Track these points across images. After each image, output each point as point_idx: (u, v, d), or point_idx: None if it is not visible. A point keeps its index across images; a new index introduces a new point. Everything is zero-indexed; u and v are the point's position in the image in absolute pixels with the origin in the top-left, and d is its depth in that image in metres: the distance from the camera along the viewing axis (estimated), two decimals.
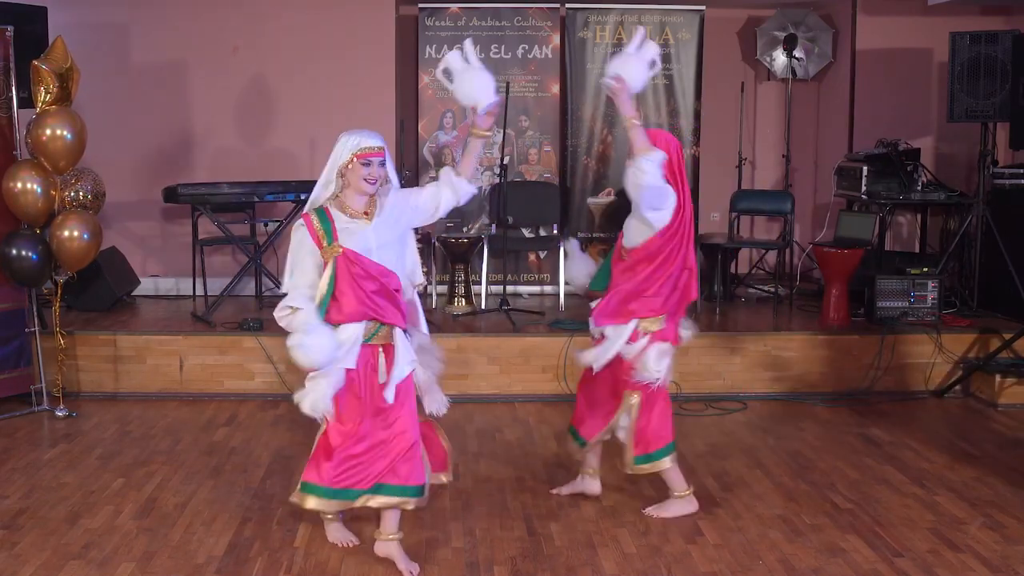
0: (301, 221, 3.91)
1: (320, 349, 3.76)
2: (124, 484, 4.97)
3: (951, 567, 4.06)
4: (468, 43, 4.19)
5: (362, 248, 3.86)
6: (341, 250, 3.83)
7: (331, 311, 3.85)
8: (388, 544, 4.08)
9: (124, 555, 4.13)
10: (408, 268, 4.07)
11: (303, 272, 3.90)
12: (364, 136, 3.89)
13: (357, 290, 3.84)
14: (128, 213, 8.11)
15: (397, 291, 3.94)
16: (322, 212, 3.90)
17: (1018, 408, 6.36)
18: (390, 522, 4.08)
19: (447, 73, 4.14)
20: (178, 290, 8.15)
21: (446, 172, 4.07)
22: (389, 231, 3.94)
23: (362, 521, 4.48)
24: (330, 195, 3.93)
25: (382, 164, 3.91)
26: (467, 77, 4.13)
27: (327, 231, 3.85)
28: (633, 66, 4.34)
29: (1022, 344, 6.56)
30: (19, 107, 6.17)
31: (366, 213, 3.91)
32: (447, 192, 4.03)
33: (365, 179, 3.86)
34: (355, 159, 3.86)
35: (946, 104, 7.40)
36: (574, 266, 4.80)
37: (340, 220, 3.88)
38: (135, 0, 8.01)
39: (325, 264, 3.85)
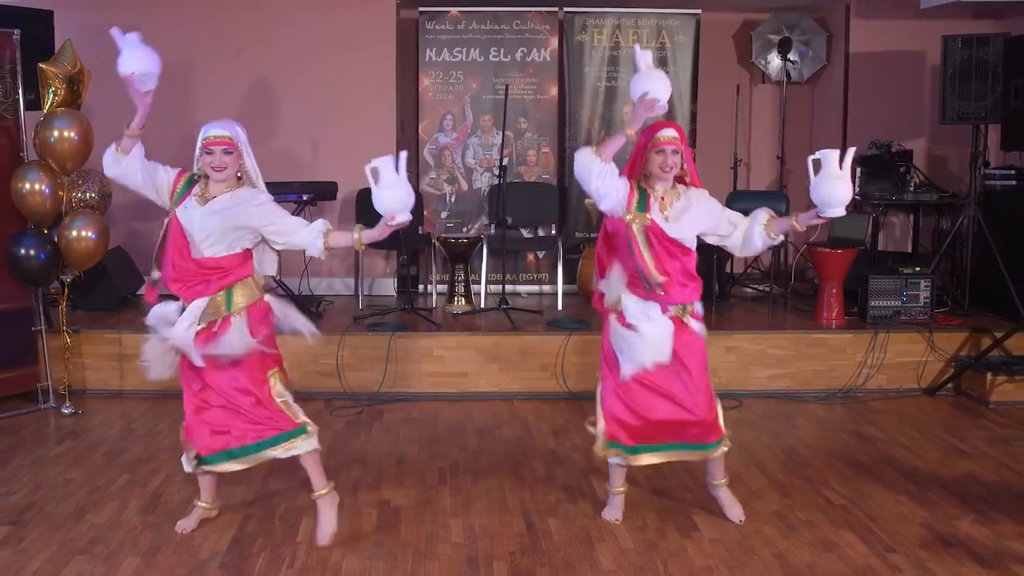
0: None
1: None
2: (129, 480, 4.96)
3: (943, 562, 4.06)
4: (403, 155, 3.90)
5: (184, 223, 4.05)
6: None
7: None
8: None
9: (129, 550, 4.13)
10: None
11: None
12: (211, 126, 4.07)
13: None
14: (134, 214, 8.09)
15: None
16: (192, 179, 4.12)
17: (1009, 406, 6.36)
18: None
19: (374, 174, 3.87)
20: None
21: (321, 223, 4.07)
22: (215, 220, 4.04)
23: (363, 516, 4.48)
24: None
25: (226, 152, 4.03)
26: (393, 189, 3.87)
27: (180, 193, 4.09)
28: (659, 82, 4.25)
29: (1013, 342, 6.56)
30: (26, 109, 6.16)
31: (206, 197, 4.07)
32: (304, 237, 4.06)
33: (210, 166, 4.03)
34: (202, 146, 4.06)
35: (938, 106, 7.40)
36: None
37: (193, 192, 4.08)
38: (140, 4, 8.00)
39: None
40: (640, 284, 4.21)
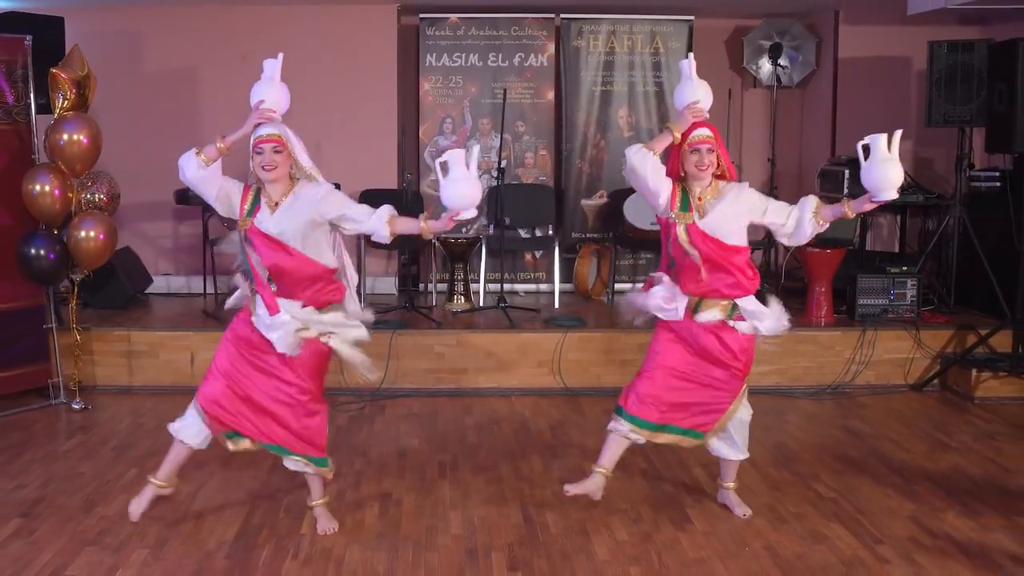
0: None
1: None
2: (138, 474, 4.95)
3: (929, 553, 4.07)
4: (476, 149, 3.99)
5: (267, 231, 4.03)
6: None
7: None
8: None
9: (138, 542, 4.13)
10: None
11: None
12: (261, 127, 4.04)
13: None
14: (141, 214, 8.09)
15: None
16: (258, 192, 4.08)
17: (993, 401, 6.37)
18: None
19: (444, 167, 3.96)
20: (189, 288, 8.14)
21: (386, 209, 4.09)
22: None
23: (365, 509, 4.49)
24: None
25: (275, 151, 4.00)
26: (462, 184, 3.95)
27: (251, 208, 4.06)
28: (705, 91, 4.26)
29: (997, 340, 6.57)
30: (37, 113, 6.16)
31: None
32: (372, 225, 4.07)
33: (261, 166, 4.00)
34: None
35: (924, 110, 7.39)
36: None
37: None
38: (148, 10, 8.00)
39: None
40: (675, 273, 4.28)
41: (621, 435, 4.36)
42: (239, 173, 4.15)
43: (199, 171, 3.94)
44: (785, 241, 4.33)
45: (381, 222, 4.04)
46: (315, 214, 4.00)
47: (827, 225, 4.21)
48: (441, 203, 4.05)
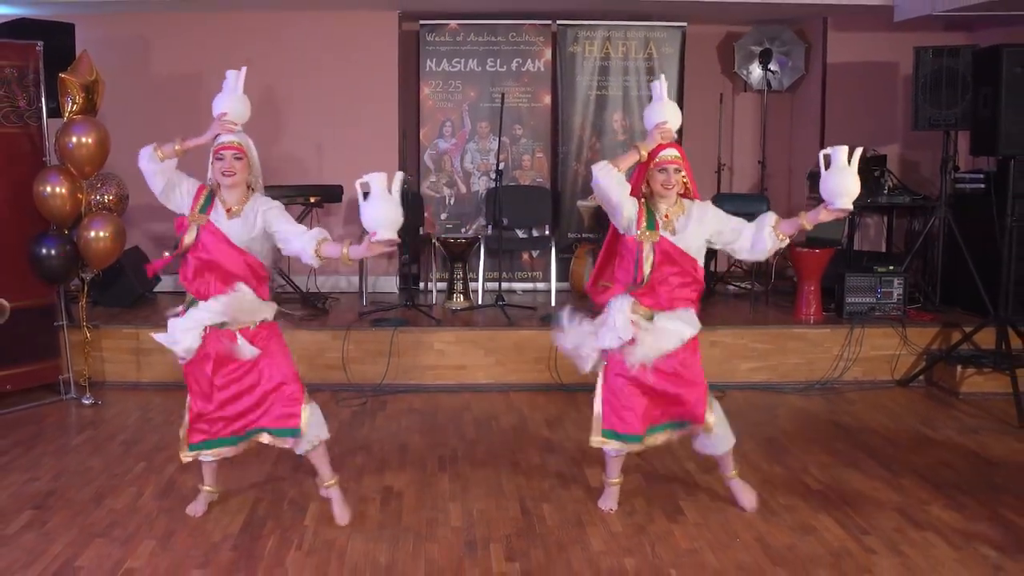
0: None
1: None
2: (146, 468, 4.96)
3: (915, 544, 4.07)
4: (400, 175, 3.87)
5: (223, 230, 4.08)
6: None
7: None
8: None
9: (146, 533, 4.13)
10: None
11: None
12: (223, 135, 4.08)
13: None
14: (149, 215, 8.07)
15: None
16: (211, 192, 4.15)
17: (978, 396, 6.37)
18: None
19: (364, 188, 3.78)
20: None
21: (318, 232, 4.02)
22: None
23: (367, 501, 4.49)
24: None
25: (236, 158, 4.05)
26: (380, 205, 3.79)
27: (204, 205, 4.12)
28: (674, 112, 4.26)
29: (981, 337, 6.57)
30: (48, 117, 6.15)
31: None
32: (296, 247, 4.04)
33: (221, 171, 4.06)
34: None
35: (911, 114, 7.39)
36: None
37: None
38: (155, 17, 8.00)
39: None
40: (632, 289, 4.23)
41: (618, 454, 4.38)
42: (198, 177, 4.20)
43: (150, 164, 4.07)
44: (744, 256, 4.29)
45: (310, 243, 3.98)
46: (263, 225, 4.06)
47: (787, 240, 4.16)
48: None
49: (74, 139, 5.92)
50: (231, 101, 4.14)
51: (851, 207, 4.03)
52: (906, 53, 7.60)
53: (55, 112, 6.12)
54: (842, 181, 3.99)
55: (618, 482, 4.46)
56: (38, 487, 4.67)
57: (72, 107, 5.95)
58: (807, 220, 4.09)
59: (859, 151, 4.02)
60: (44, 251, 6.01)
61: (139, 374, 6.60)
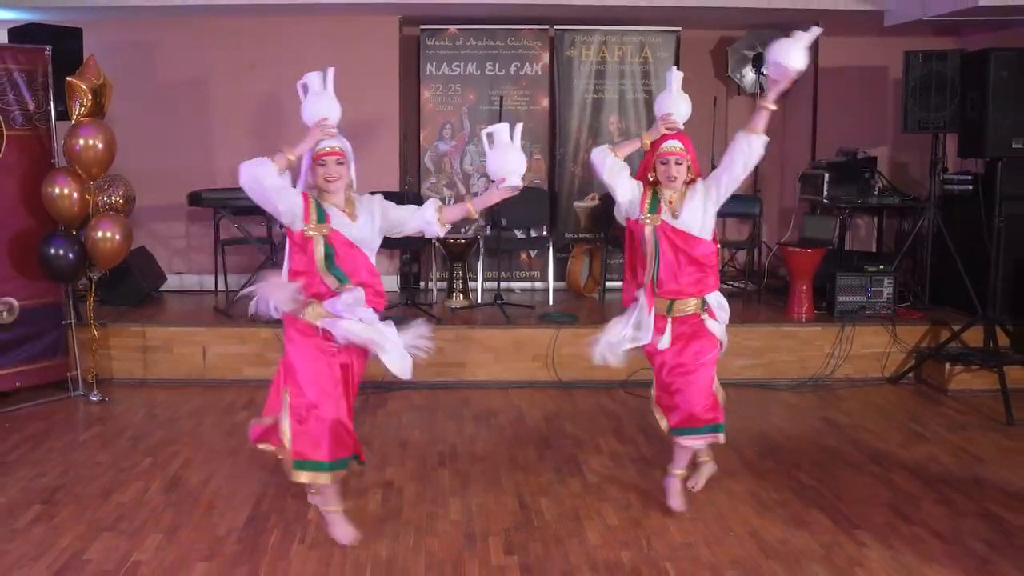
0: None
1: None
2: (152, 463, 4.96)
3: (905, 538, 4.08)
4: (519, 126, 3.95)
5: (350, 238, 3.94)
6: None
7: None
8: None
9: (152, 527, 4.14)
10: None
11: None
12: (323, 141, 4.05)
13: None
14: (156, 216, 8.09)
15: None
16: (316, 199, 3.96)
17: (966, 393, 6.38)
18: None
19: (490, 137, 3.94)
20: (201, 286, 8.14)
21: (432, 203, 4.01)
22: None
23: (368, 496, 4.49)
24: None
25: (338, 163, 3.96)
26: (506, 153, 3.91)
27: (319, 213, 3.91)
28: (684, 105, 4.26)
29: (970, 335, 6.57)
30: (56, 119, 6.15)
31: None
32: (418, 222, 4.01)
33: (324, 177, 3.94)
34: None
35: (900, 116, 7.39)
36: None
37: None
38: (162, 22, 7.99)
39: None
40: (643, 276, 4.25)
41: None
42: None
43: (278, 179, 3.88)
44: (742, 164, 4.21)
45: (432, 216, 3.97)
46: (382, 221, 3.97)
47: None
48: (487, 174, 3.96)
49: (82, 141, 5.92)
50: (329, 104, 4.06)
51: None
52: (896, 57, 7.60)
53: (63, 115, 6.11)
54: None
55: (682, 472, 4.40)
56: (47, 482, 4.67)
57: (80, 110, 5.95)
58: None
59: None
60: (53, 251, 6.00)
61: (146, 371, 6.59)
